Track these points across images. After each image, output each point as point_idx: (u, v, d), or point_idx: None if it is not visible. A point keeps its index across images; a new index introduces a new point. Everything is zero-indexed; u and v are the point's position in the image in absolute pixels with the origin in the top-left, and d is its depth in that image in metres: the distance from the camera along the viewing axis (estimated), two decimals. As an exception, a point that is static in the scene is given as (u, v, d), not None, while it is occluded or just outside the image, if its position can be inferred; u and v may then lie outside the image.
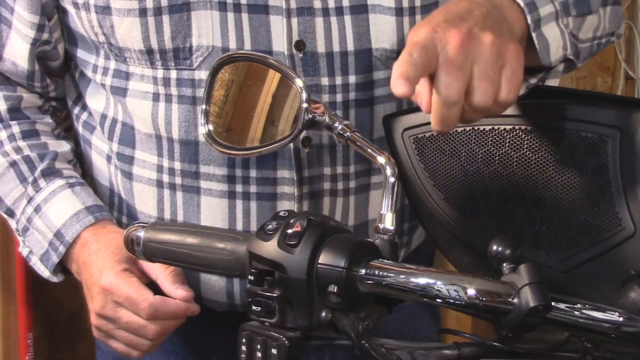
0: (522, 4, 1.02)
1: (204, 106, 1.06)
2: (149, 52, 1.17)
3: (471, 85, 0.89)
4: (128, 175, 1.26)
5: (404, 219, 1.31)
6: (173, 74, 1.18)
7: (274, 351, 0.89)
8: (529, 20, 1.02)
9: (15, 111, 1.33)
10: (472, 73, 0.90)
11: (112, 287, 1.17)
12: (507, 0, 1.01)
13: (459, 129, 1.01)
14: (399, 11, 1.19)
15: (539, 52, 1.04)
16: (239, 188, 1.20)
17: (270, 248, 0.90)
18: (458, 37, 0.90)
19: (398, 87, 0.85)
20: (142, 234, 1.02)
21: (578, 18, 1.11)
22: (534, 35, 1.03)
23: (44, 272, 1.29)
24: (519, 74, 0.92)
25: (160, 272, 1.18)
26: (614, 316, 0.85)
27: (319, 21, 1.17)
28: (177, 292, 1.16)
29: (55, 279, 1.30)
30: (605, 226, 0.92)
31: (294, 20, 1.16)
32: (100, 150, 1.32)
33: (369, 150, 0.98)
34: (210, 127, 1.06)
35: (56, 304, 1.88)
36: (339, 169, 1.21)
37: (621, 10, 1.24)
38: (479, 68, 0.90)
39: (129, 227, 1.05)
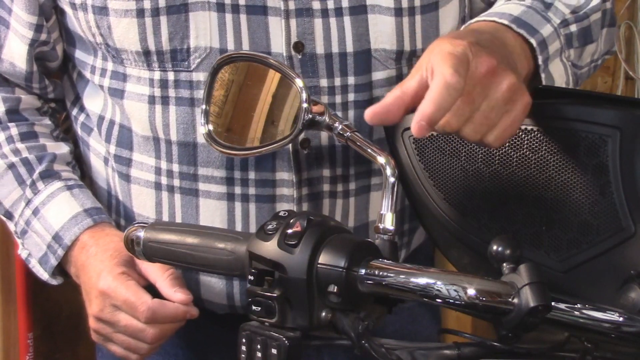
0: (534, 44, 1.02)
1: (203, 106, 1.06)
2: (146, 53, 1.17)
3: (470, 115, 0.90)
4: (126, 178, 1.26)
5: (404, 220, 1.30)
6: (170, 76, 1.18)
7: (273, 351, 0.89)
8: (540, 61, 1.03)
9: (14, 113, 1.33)
10: (480, 106, 0.89)
11: (110, 291, 1.17)
12: (519, 40, 1.02)
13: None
14: (398, 11, 1.19)
15: None
16: (237, 190, 1.20)
17: (270, 248, 0.91)
18: (488, 66, 0.90)
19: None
20: (142, 234, 1.02)
21: (579, 48, 1.12)
22: (543, 75, 1.04)
23: (43, 274, 1.29)
24: (516, 126, 0.92)
25: (158, 275, 1.18)
26: (614, 316, 0.85)
27: (318, 22, 1.17)
28: (175, 296, 1.16)
29: (54, 282, 1.30)
30: (605, 226, 0.93)
31: (293, 22, 1.16)
32: (97, 152, 1.31)
33: (369, 150, 0.98)
34: (210, 127, 1.06)
35: (56, 305, 1.88)
36: (339, 171, 1.21)
37: (615, 30, 1.24)
38: (487, 105, 0.89)
39: (129, 227, 1.04)
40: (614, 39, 1.25)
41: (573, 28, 1.11)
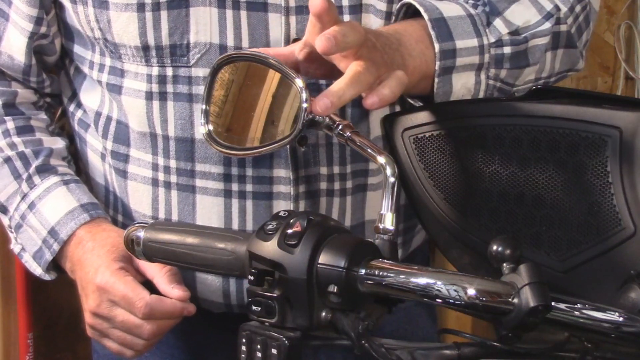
0: (436, 50, 1.07)
1: (203, 106, 1.06)
2: (145, 48, 1.17)
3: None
4: (122, 174, 1.26)
5: (399, 219, 1.30)
6: (169, 72, 1.18)
7: (274, 351, 0.90)
8: (437, 67, 1.07)
9: (10, 107, 1.33)
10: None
11: (107, 286, 1.17)
12: (428, 46, 1.08)
13: (459, 129, 1.01)
14: (388, 15, 1.18)
15: (435, 96, 1.09)
16: (235, 187, 1.20)
17: (270, 248, 0.91)
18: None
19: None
20: (142, 233, 1.02)
21: (514, 70, 1.12)
22: (436, 80, 1.08)
23: (36, 269, 1.29)
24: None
25: (156, 272, 1.18)
26: (614, 316, 0.85)
27: (318, 20, 1.17)
28: (173, 292, 1.16)
29: (47, 277, 1.29)
30: (605, 226, 0.93)
31: (292, 19, 1.16)
32: (94, 148, 1.31)
33: (369, 150, 0.98)
34: (210, 127, 1.06)
35: (56, 304, 1.88)
36: (336, 169, 1.21)
37: (577, 51, 1.23)
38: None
39: (129, 227, 1.05)
40: (576, 59, 1.24)
41: (507, 50, 1.12)
